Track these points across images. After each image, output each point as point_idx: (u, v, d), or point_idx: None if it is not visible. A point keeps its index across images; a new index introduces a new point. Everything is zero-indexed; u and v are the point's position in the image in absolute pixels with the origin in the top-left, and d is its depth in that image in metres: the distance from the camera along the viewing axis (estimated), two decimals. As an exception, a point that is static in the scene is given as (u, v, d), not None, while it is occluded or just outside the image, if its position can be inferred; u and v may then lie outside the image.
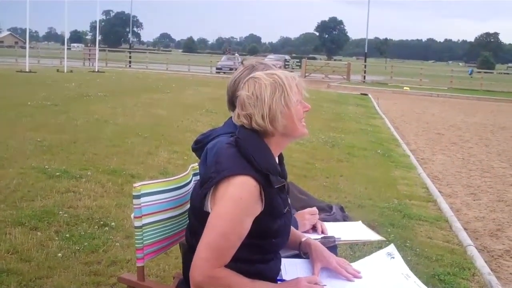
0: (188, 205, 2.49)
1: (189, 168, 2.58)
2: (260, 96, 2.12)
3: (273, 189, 2.11)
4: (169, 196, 2.35)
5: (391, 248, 2.57)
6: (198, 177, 2.63)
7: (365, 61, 49.15)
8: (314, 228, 2.79)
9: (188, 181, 2.50)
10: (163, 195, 2.32)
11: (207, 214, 2.09)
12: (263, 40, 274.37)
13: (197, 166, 2.67)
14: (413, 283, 2.32)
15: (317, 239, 2.65)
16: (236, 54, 56.29)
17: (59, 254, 4.22)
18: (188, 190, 2.50)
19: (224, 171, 2.05)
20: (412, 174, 9.03)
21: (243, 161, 2.08)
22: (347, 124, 14.98)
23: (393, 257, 2.49)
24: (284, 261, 2.36)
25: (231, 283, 2.03)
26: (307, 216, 2.79)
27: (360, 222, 3.07)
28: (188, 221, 2.40)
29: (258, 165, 2.07)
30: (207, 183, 2.09)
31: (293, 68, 46.14)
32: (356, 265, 2.43)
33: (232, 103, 2.70)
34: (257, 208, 2.08)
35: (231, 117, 2.79)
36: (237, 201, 2.02)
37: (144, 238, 2.23)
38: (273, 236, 2.17)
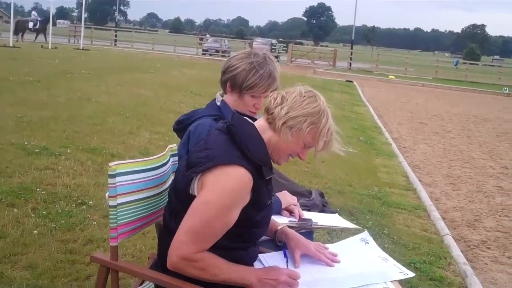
0: (165, 186, 2.46)
1: (167, 149, 2.55)
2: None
3: (262, 181, 2.07)
4: (145, 176, 2.31)
5: (365, 234, 2.58)
6: (176, 158, 2.61)
7: (351, 48, 49.11)
8: (291, 213, 2.79)
9: (165, 161, 2.46)
10: (139, 175, 2.28)
11: (192, 196, 2.04)
12: (250, 24, 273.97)
13: (175, 147, 2.64)
14: (392, 265, 2.33)
15: (294, 221, 2.66)
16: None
17: (35, 231, 4.18)
18: (165, 171, 2.46)
19: (215, 158, 2.00)
20: (393, 162, 9.07)
21: (236, 150, 2.03)
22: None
23: (368, 243, 2.50)
24: (263, 256, 2.34)
25: (208, 266, 2.01)
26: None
27: (336, 214, 3.07)
28: (166, 200, 2.37)
29: (252, 155, 2.02)
30: (196, 168, 2.03)
31: (279, 53, 45.92)
32: (332, 248, 2.44)
33: (223, 81, 2.69)
34: (246, 200, 2.04)
35: (214, 99, 2.76)
36: (229, 192, 1.98)
37: (118, 218, 2.20)
38: (255, 227, 2.15)
